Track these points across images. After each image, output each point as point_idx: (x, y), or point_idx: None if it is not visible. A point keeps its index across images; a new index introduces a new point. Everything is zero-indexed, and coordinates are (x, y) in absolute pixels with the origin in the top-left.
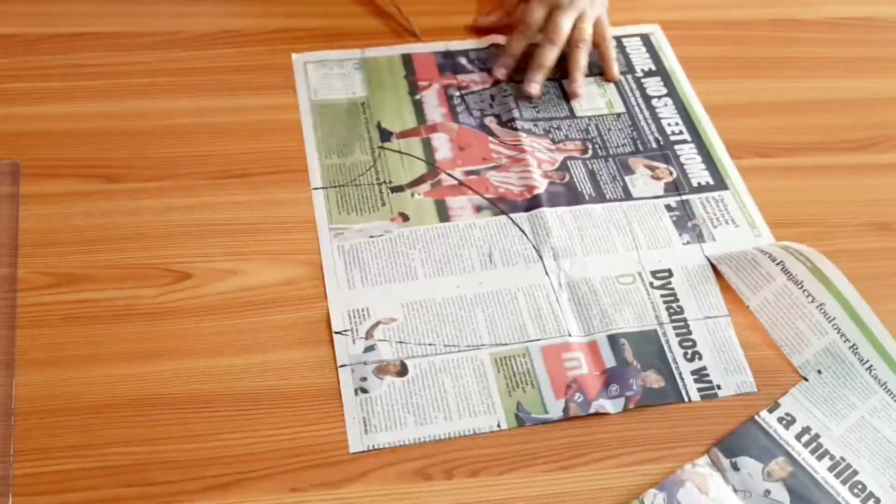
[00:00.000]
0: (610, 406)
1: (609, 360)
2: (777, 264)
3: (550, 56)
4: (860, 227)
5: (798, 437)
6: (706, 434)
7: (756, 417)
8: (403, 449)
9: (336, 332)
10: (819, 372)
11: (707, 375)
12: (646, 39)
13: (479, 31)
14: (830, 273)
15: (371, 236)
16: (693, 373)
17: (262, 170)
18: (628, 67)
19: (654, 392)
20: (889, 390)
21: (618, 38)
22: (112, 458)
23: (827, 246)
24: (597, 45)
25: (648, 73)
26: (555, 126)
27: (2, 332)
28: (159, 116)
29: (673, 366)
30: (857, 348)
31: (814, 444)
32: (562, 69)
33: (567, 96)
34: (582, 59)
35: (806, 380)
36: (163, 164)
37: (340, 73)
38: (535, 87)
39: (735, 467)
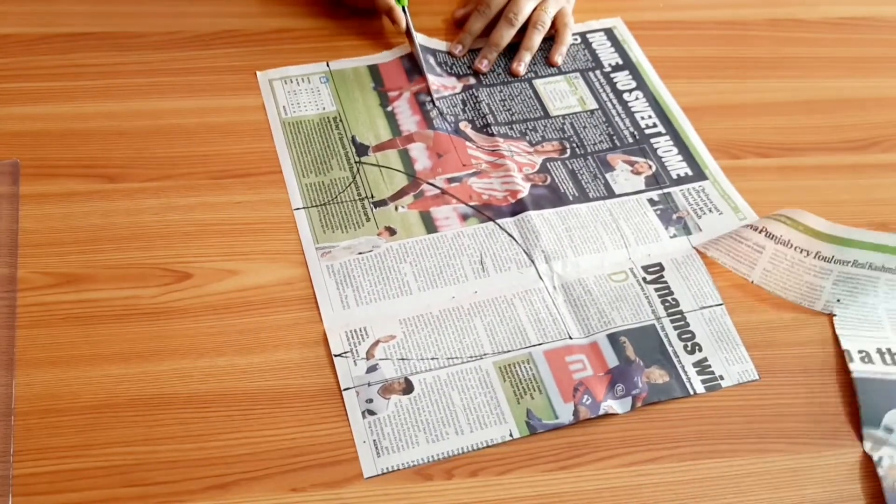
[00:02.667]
0: (618, 406)
1: (612, 360)
2: (760, 232)
3: (506, 35)
4: (860, 227)
5: (885, 362)
6: (705, 433)
7: (852, 374)
8: None
9: (336, 356)
10: (838, 300)
11: (709, 367)
12: (609, 34)
13: (457, 25)
14: (811, 222)
15: (359, 253)
16: (695, 365)
17: (262, 170)
18: (595, 63)
19: (660, 388)
20: (888, 268)
21: (582, 34)
22: (112, 458)
23: None
24: (556, 30)
25: (616, 68)
26: (530, 128)
27: (2, 332)
28: (159, 116)
29: (675, 360)
30: (857, 262)
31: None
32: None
33: (539, 96)
34: (534, 39)
35: (834, 315)
36: (163, 163)
37: (308, 87)
38: (483, 62)
39: (889, 430)
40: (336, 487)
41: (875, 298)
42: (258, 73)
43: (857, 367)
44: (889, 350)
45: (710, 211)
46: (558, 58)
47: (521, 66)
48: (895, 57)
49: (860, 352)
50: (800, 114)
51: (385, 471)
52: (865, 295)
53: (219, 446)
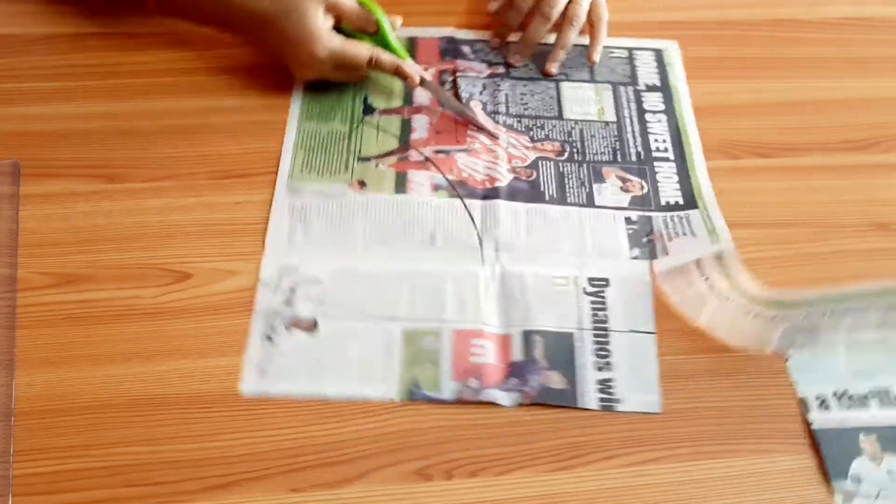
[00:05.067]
0: (503, 398)
1: (517, 355)
2: (706, 280)
3: (541, 30)
4: (860, 227)
5: (841, 407)
6: (706, 434)
7: (812, 426)
8: (403, 449)
9: (262, 282)
10: (792, 345)
11: (612, 387)
12: (658, 55)
13: (489, 19)
14: (751, 289)
15: (325, 197)
16: (598, 382)
17: (263, 170)
18: (632, 79)
19: (552, 392)
20: (854, 309)
21: (630, 50)
22: (112, 458)
23: (827, 246)
24: (591, 25)
25: (651, 88)
26: (538, 125)
27: (2, 332)
28: (159, 116)
29: (580, 372)
30: (809, 314)
31: (853, 399)
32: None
33: (560, 98)
34: (570, 36)
35: (788, 359)
36: (163, 164)
37: None
38: (516, 58)
39: (857, 480)
40: (336, 488)
41: (836, 335)
42: None
43: (815, 417)
44: (846, 392)
45: (685, 234)
46: (597, 56)
47: (555, 66)
48: (895, 57)
49: (817, 398)
50: (800, 114)
51: (262, 394)
52: (826, 334)
53: (219, 446)
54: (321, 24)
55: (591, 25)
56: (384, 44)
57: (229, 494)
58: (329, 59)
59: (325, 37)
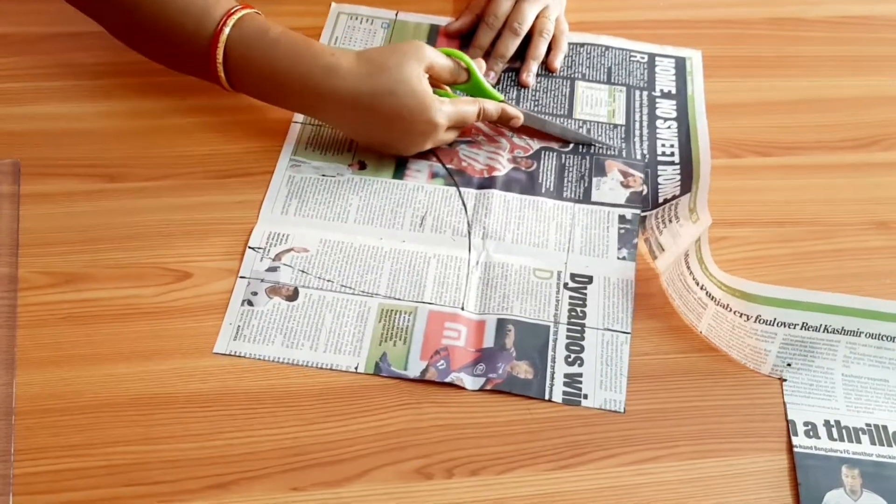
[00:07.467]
0: (468, 382)
1: (489, 342)
2: (702, 289)
3: (511, 46)
4: (860, 226)
5: (830, 437)
6: (706, 433)
7: (794, 449)
8: (404, 448)
9: (250, 247)
10: (789, 364)
11: (579, 382)
12: (679, 63)
13: (448, 37)
14: (747, 287)
15: (323, 175)
16: (566, 376)
17: (263, 169)
18: (648, 85)
19: (519, 381)
20: (848, 331)
21: (651, 55)
22: (112, 457)
23: (827, 245)
24: (553, 38)
25: (666, 95)
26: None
27: (2, 332)
28: (159, 116)
29: (549, 364)
30: (806, 324)
31: (844, 432)
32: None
33: (573, 97)
34: (541, 47)
35: (784, 380)
36: (163, 163)
37: (367, 28)
38: (490, 75)
39: None
40: (336, 486)
41: (833, 363)
42: (333, 3)
43: (800, 442)
44: (837, 423)
45: (671, 221)
46: (558, 63)
47: (531, 77)
48: (895, 56)
49: (806, 424)
50: (800, 112)
51: (233, 353)
52: (822, 359)
53: (219, 445)
54: (430, 89)
55: (554, 38)
56: (477, 90)
57: (229, 493)
58: (445, 123)
59: (437, 102)
